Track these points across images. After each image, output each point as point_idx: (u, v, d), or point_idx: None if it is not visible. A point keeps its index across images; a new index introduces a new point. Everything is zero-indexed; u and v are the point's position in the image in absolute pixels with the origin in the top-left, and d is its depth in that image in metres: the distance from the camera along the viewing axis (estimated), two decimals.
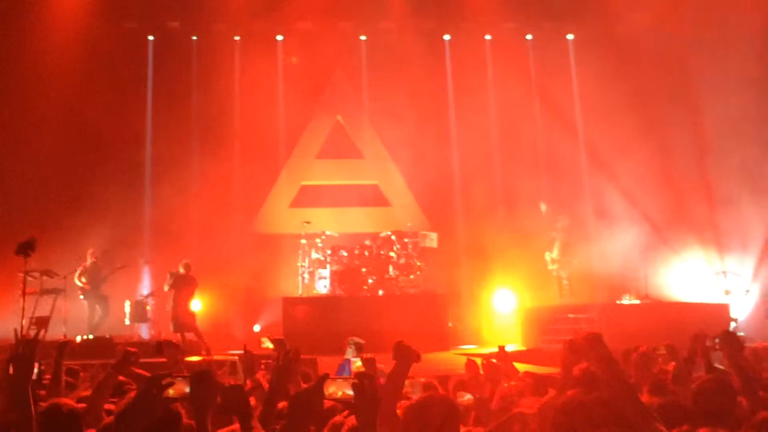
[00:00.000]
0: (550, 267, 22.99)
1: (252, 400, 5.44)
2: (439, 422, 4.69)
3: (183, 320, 20.15)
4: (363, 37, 26.17)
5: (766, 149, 23.81)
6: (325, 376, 4.26)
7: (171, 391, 4.42)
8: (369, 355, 7.28)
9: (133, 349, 6.89)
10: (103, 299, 21.64)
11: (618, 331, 20.22)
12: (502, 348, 8.63)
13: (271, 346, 6.67)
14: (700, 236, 24.15)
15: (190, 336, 19.97)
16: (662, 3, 23.19)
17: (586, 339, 5.13)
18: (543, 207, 23.33)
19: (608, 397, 4.68)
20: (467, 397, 6.35)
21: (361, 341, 13.67)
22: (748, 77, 23.61)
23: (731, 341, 6.80)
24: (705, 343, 7.50)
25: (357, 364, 8.67)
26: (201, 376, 4.44)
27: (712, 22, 23.12)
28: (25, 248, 15.97)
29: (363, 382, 4.52)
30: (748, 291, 23.52)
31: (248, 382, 7.23)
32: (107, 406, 6.14)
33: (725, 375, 6.57)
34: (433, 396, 5.06)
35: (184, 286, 20.31)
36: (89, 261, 21.61)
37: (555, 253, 22.87)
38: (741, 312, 22.49)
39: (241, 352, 7.85)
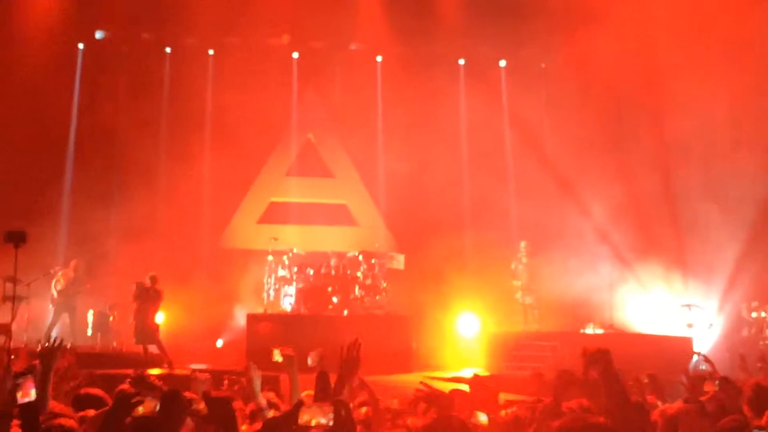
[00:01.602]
0: (517, 295, 23.02)
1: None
2: None
3: (147, 332, 19.95)
4: (335, 57, 26.16)
5: (732, 172, 23.88)
6: (300, 404, 4.20)
7: (140, 409, 4.37)
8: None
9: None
10: (73, 310, 21.54)
11: (580, 360, 20.24)
12: (477, 376, 8.54)
13: (280, 359, 6.57)
14: (665, 268, 24.22)
15: (152, 349, 19.80)
16: (628, 30, 23.30)
17: (598, 350, 5.18)
18: (522, 244, 23.36)
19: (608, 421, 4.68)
20: (482, 419, 6.22)
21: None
22: (713, 98, 23.74)
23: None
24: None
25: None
26: (171, 396, 4.39)
27: (678, 45, 23.25)
28: (16, 238, 16.10)
29: (340, 409, 4.49)
30: (711, 325, 23.60)
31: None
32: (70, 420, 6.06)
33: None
34: (446, 417, 5.04)
35: (149, 298, 20.09)
36: (72, 272, 21.55)
37: (522, 280, 22.91)
38: (703, 346, 22.55)
39: (203, 366, 7.72)
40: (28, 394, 4.65)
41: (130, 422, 4.28)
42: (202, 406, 6.59)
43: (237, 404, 8.03)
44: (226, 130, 24.32)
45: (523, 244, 23.25)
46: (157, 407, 4.36)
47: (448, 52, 25.96)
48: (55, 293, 21.44)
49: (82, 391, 7.20)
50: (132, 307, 20.29)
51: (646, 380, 8.17)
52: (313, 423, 4.34)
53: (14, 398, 4.85)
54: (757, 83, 22.09)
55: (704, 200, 23.96)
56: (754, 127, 22.96)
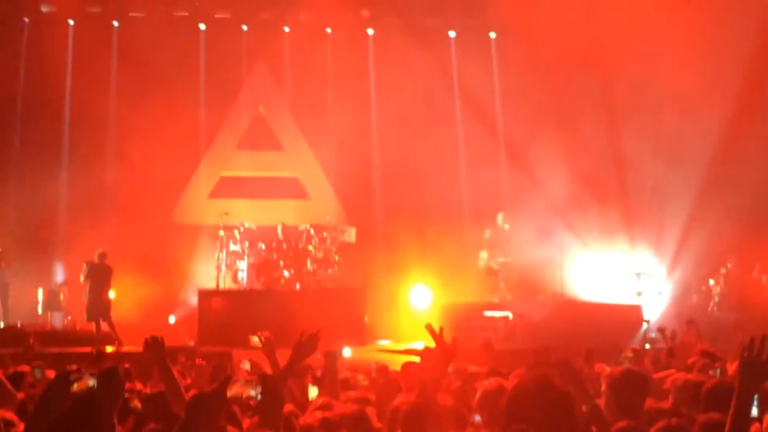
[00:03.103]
0: (484, 263, 23.12)
1: None
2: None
3: (99, 309, 19.87)
4: (286, 29, 25.97)
5: (681, 137, 24.11)
6: (228, 378, 4.20)
7: (75, 386, 4.35)
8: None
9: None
10: (5, 287, 21.36)
11: (532, 330, 20.50)
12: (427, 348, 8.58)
13: (260, 344, 6.59)
14: (614, 236, 24.41)
15: (104, 326, 19.71)
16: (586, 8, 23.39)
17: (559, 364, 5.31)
18: (500, 217, 23.45)
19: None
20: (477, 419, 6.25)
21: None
22: (660, 60, 23.94)
23: None
24: None
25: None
26: (109, 374, 4.36)
27: (636, 31, 23.37)
28: None
29: (267, 382, 4.51)
30: (660, 292, 23.86)
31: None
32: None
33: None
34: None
35: (100, 275, 20.00)
36: None
37: (497, 250, 23.04)
38: (653, 313, 22.80)
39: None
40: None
41: (68, 400, 4.26)
42: (137, 403, 6.60)
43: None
44: (176, 102, 24.08)
45: (500, 215, 23.37)
46: (94, 384, 4.33)
47: (396, 24, 25.79)
48: None
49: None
50: (84, 286, 20.14)
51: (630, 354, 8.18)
52: (243, 396, 4.35)
53: None
54: (701, 45, 22.31)
55: (653, 167, 24.19)
56: (702, 89, 23.19)
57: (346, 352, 8.79)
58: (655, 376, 7.78)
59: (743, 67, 23.24)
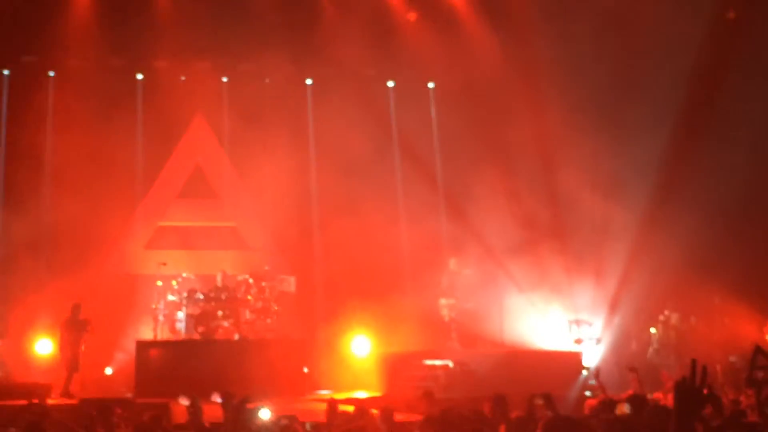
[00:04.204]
0: (443, 312, 23.17)
1: None
2: None
3: (68, 360, 20.47)
4: (225, 78, 25.94)
5: (615, 200, 24.43)
6: None
7: None
8: None
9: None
10: None
11: (473, 378, 20.49)
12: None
13: (187, 403, 6.55)
14: (553, 288, 24.53)
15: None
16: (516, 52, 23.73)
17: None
18: (452, 263, 23.53)
19: None
20: None
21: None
22: (601, 123, 24.32)
23: None
24: None
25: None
26: (32, 427, 4.28)
27: (565, 69, 23.79)
28: None
29: None
30: (599, 340, 23.97)
31: None
32: None
33: None
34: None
35: (79, 328, 20.63)
36: None
37: (449, 299, 23.09)
38: (592, 360, 22.92)
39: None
40: None
41: None
42: None
43: None
44: (113, 150, 23.89)
45: (452, 261, 23.45)
46: None
47: (334, 75, 25.82)
48: None
49: None
50: (62, 339, 20.72)
51: (540, 401, 8.24)
52: None
53: None
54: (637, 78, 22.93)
55: (591, 208, 24.44)
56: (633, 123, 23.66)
57: (264, 413, 8.56)
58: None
59: (682, 99, 23.77)
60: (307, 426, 8.07)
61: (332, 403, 10.02)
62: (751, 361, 7.67)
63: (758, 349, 8.00)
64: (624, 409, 8.63)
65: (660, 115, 23.98)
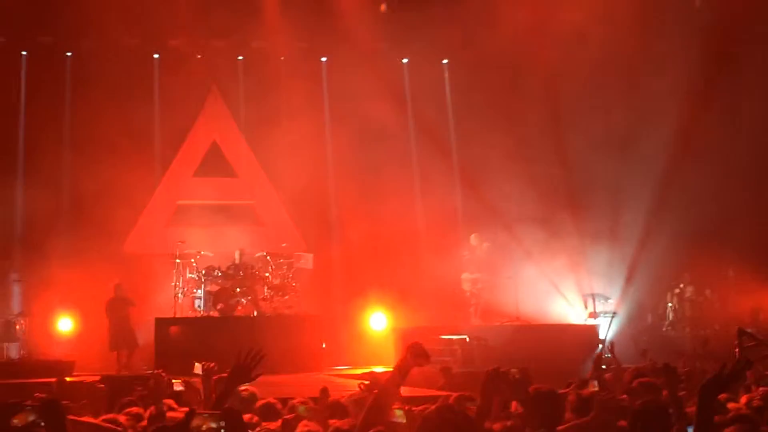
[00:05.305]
0: (468, 287, 23.33)
1: None
2: None
3: (120, 340, 21.69)
4: (240, 57, 26.06)
5: (629, 168, 24.47)
6: (192, 412, 4.23)
7: (16, 420, 4.35)
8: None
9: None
10: None
11: (489, 352, 20.59)
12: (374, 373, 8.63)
13: (200, 372, 6.65)
14: (569, 259, 24.59)
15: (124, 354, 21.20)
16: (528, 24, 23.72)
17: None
18: (473, 238, 23.68)
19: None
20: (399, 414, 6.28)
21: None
22: (613, 99, 24.35)
23: None
24: None
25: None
26: (48, 406, 4.37)
27: (579, 46, 23.79)
28: None
29: (231, 416, 4.54)
30: (615, 313, 24.02)
31: None
32: None
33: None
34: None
35: (117, 307, 21.60)
36: None
37: (474, 274, 23.28)
38: (608, 333, 22.99)
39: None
40: None
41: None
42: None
43: (137, 408, 8.10)
44: (131, 131, 24.02)
45: (473, 236, 23.60)
46: (32, 418, 4.34)
47: (348, 52, 25.82)
48: None
49: None
50: (111, 318, 21.73)
51: (518, 376, 8.21)
52: (204, 428, 4.36)
53: None
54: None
55: (605, 173, 24.52)
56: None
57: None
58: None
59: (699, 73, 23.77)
60: (301, 409, 8.08)
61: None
62: (737, 345, 7.86)
63: (741, 331, 8.16)
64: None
65: (675, 66, 23.97)
